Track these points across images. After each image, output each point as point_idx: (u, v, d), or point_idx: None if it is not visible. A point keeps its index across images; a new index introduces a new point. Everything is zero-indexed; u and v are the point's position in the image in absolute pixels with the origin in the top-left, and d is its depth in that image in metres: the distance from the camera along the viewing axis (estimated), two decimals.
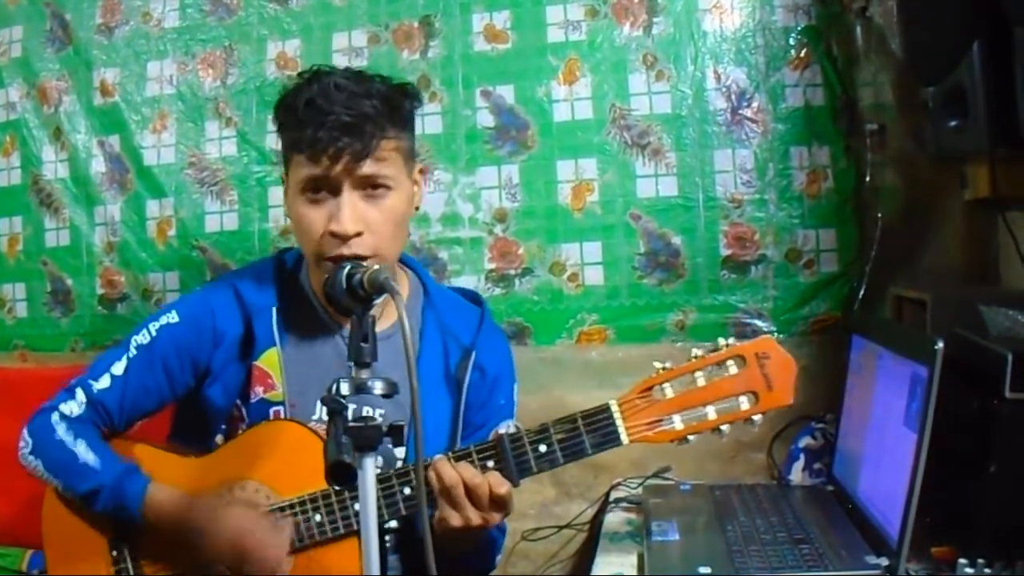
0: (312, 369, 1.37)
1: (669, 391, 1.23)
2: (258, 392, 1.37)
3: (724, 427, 1.22)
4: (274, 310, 1.39)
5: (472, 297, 1.57)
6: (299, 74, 1.38)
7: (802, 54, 1.90)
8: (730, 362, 1.22)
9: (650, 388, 1.23)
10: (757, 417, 1.22)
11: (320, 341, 1.41)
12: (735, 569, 1.26)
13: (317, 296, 1.42)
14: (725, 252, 1.93)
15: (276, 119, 1.39)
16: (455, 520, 1.22)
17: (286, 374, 1.36)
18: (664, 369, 1.23)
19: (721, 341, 1.24)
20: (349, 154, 1.28)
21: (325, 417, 1.34)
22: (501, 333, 1.56)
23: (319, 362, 1.38)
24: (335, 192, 1.30)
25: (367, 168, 1.30)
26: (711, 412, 1.22)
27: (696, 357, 1.23)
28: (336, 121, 1.27)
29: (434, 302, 1.48)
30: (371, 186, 1.31)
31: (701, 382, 1.22)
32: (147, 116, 2.20)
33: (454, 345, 1.45)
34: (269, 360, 1.37)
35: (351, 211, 1.29)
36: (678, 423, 1.22)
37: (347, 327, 1.39)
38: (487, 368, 1.45)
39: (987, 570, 1.18)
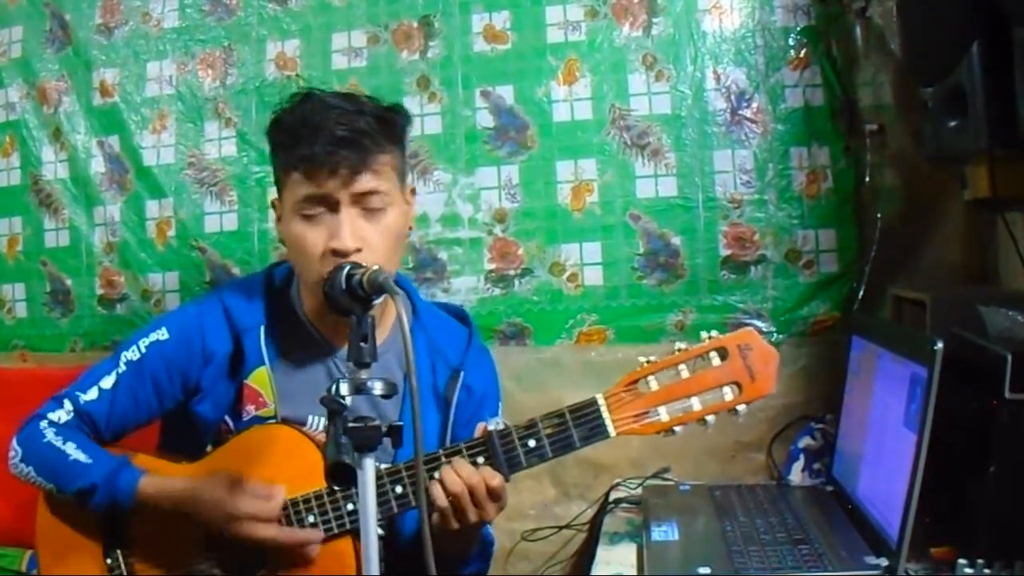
0: (302, 386, 1.38)
1: (654, 384, 1.24)
2: (250, 410, 1.37)
3: (709, 418, 1.24)
4: (262, 328, 1.39)
5: (460, 315, 1.58)
6: (290, 96, 1.38)
7: (801, 54, 1.90)
8: (713, 354, 1.24)
9: (635, 381, 1.25)
10: (741, 407, 1.23)
11: (310, 359, 1.41)
12: (734, 569, 1.26)
13: (308, 315, 1.43)
14: (725, 252, 1.94)
15: (270, 140, 1.39)
16: (453, 523, 1.23)
17: (277, 392, 1.37)
18: (649, 363, 1.25)
19: (704, 334, 1.25)
20: (347, 168, 1.28)
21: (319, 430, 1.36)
22: (488, 353, 1.57)
23: (310, 379, 1.39)
24: (333, 210, 1.30)
25: (364, 183, 1.30)
26: (696, 403, 1.23)
27: (680, 350, 1.24)
28: (332, 136, 1.27)
29: (423, 321, 1.49)
30: (368, 203, 1.31)
31: (685, 374, 1.24)
32: (147, 116, 2.20)
33: (442, 364, 1.46)
34: (259, 379, 1.38)
35: (350, 227, 1.29)
36: (664, 415, 1.24)
37: (337, 344, 1.41)
38: (474, 387, 1.46)
39: (986, 570, 1.18)
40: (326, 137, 1.27)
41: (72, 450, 1.33)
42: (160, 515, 1.30)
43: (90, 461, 1.32)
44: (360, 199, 1.30)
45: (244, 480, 1.26)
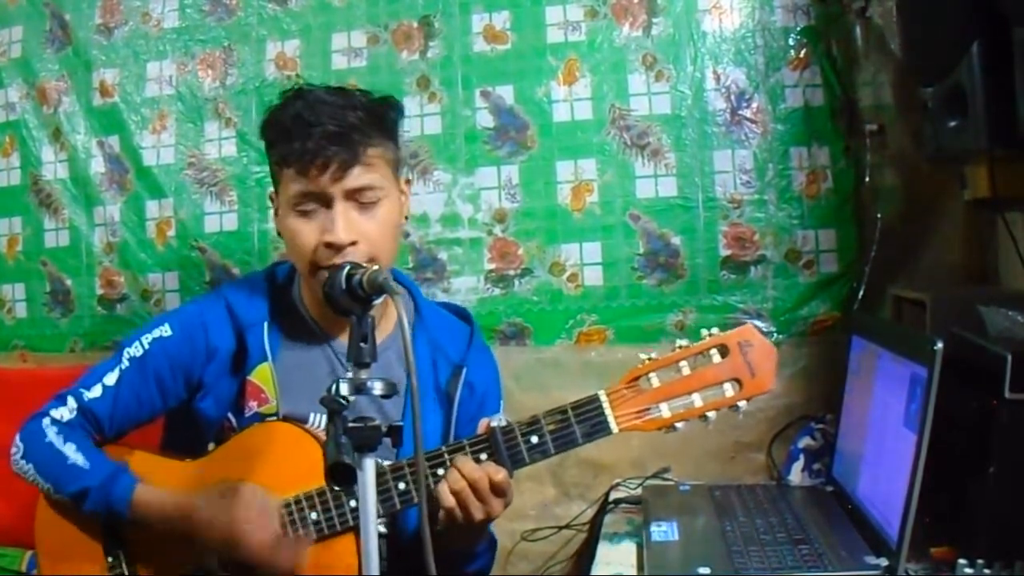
0: (305, 383, 1.38)
1: (655, 380, 1.25)
2: (252, 407, 1.38)
3: (710, 414, 1.24)
4: (265, 324, 1.40)
5: (461, 314, 1.58)
6: (282, 93, 1.39)
7: (801, 54, 1.90)
8: (713, 351, 1.24)
9: (637, 378, 1.25)
10: (742, 403, 1.24)
11: (312, 355, 1.42)
12: (734, 569, 1.26)
13: (309, 311, 1.43)
14: (724, 253, 1.94)
15: (264, 137, 1.40)
16: (459, 521, 1.23)
17: (279, 388, 1.37)
18: (650, 360, 1.25)
19: (704, 331, 1.26)
20: (337, 163, 1.29)
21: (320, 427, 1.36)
22: (489, 351, 1.58)
23: (312, 376, 1.39)
24: (327, 205, 1.31)
25: (356, 178, 1.30)
26: (697, 399, 1.24)
27: (681, 347, 1.25)
28: (323, 131, 1.28)
29: (425, 319, 1.49)
30: (362, 197, 1.32)
31: (686, 371, 1.25)
32: (146, 116, 2.20)
33: (444, 362, 1.46)
34: (262, 375, 1.38)
35: (344, 221, 1.29)
36: (665, 411, 1.24)
37: (339, 340, 1.41)
38: (476, 384, 1.47)
39: (986, 570, 1.18)
40: (316, 133, 1.28)
41: (71, 452, 1.33)
42: (152, 525, 1.30)
43: (87, 465, 1.32)
44: (353, 194, 1.31)
45: (240, 500, 1.26)
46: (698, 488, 1.70)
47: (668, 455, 1.87)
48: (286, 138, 1.31)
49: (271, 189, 1.43)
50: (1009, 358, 1.17)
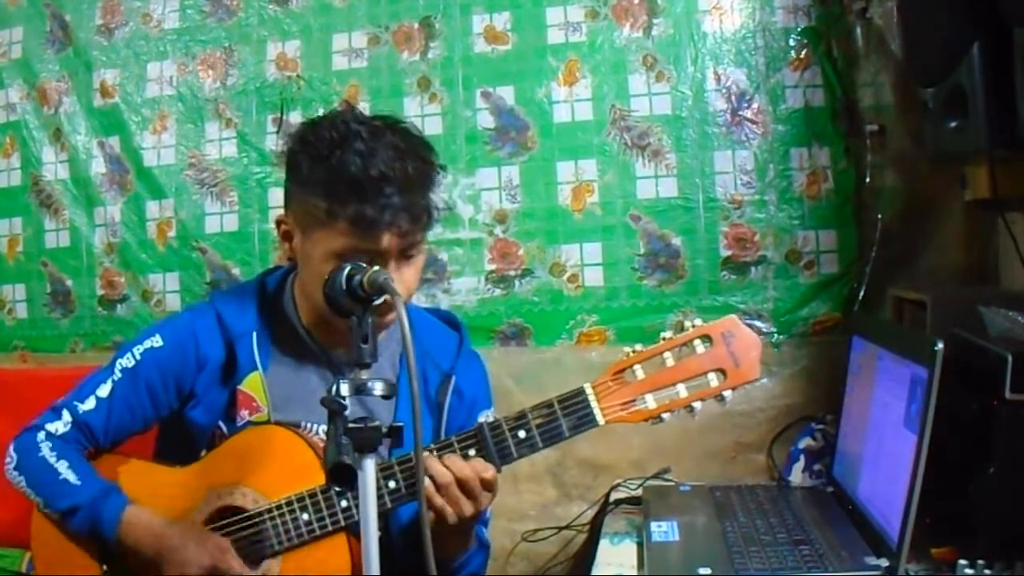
0: (296, 391, 1.38)
1: (640, 372, 1.25)
2: (244, 415, 1.38)
3: (696, 405, 1.24)
4: (254, 334, 1.39)
5: (450, 321, 1.57)
6: (324, 125, 1.29)
7: (802, 55, 1.91)
8: (697, 342, 1.24)
9: (622, 371, 1.25)
10: (727, 393, 1.23)
11: (304, 364, 1.41)
12: (735, 570, 1.26)
13: (301, 320, 1.42)
14: (725, 253, 1.94)
15: (306, 170, 1.29)
16: (450, 516, 1.23)
17: (270, 397, 1.37)
18: (634, 352, 1.25)
19: (687, 323, 1.25)
20: (407, 231, 1.26)
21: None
22: (478, 356, 1.57)
23: (303, 385, 1.39)
24: (377, 259, 1.25)
25: (415, 239, 1.29)
26: (682, 390, 1.24)
27: (665, 339, 1.25)
28: (395, 198, 1.23)
29: (414, 327, 1.47)
30: (410, 252, 1.30)
31: (670, 362, 1.24)
32: (147, 117, 2.20)
33: (433, 369, 1.46)
34: (252, 384, 1.38)
35: (399, 278, 1.27)
36: (651, 402, 1.24)
37: (332, 349, 1.41)
38: (465, 391, 1.47)
39: (987, 571, 1.18)
40: (390, 199, 1.23)
41: (64, 469, 1.33)
42: (139, 550, 1.30)
43: (79, 483, 1.33)
44: (405, 250, 1.30)
45: (229, 546, 1.27)
46: (698, 488, 1.70)
47: (668, 456, 1.87)
48: (351, 196, 1.23)
49: (280, 213, 1.37)
50: (1009, 358, 1.18)
